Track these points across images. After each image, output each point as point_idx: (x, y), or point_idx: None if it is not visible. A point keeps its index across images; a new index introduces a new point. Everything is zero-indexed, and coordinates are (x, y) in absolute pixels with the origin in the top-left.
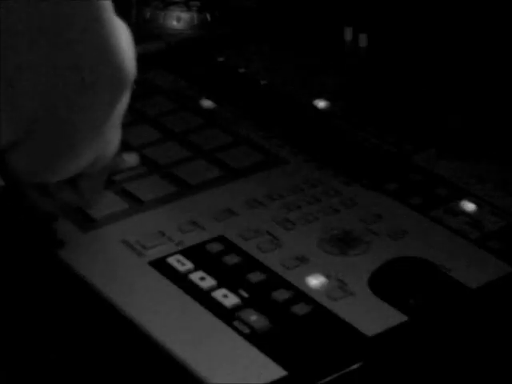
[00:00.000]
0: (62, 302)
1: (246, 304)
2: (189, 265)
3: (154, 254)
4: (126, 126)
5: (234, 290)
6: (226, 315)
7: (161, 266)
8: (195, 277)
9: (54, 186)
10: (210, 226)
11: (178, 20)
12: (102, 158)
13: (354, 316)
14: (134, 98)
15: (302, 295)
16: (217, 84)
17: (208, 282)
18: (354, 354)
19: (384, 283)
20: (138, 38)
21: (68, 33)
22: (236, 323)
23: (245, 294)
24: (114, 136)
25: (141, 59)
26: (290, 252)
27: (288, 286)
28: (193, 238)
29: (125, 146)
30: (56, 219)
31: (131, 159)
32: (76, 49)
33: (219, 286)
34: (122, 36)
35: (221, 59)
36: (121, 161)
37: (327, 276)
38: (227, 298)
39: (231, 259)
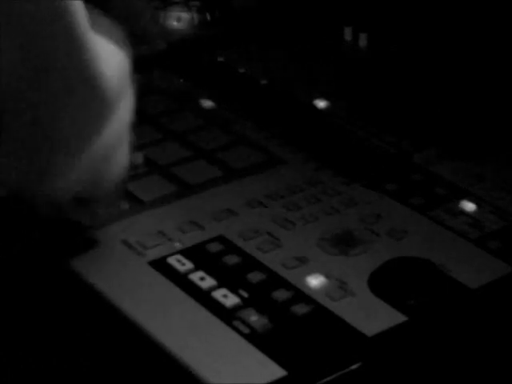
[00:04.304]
0: (61, 302)
1: (246, 304)
2: (189, 265)
3: (153, 253)
4: None
5: (234, 290)
6: (226, 315)
7: (161, 265)
8: (195, 277)
9: (66, 205)
10: (210, 226)
11: (178, 20)
12: (103, 179)
13: (354, 316)
14: (134, 97)
15: (302, 295)
16: (217, 84)
17: (208, 282)
18: (354, 354)
19: (384, 283)
20: (139, 38)
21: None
22: (236, 323)
23: (245, 294)
24: (116, 159)
25: (141, 59)
26: (290, 252)
27: (288, 286)
28: (193, 238)
29: None
30: (58, 220)
31: (136, 158)
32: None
33: (219, 285)
34: (111, 58)
35: (221, 59)
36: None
37: (327, 276)
38: (227, 298)
39: (231, 259)
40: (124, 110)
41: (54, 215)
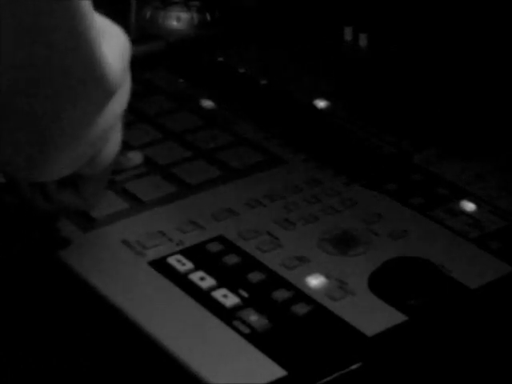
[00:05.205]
0: (61, 302)
1: (246, 304)
2: (189, 265)
3: (153, 253)
4: (126, 125)
5: (234, 290)
6: (226, 315)
7: (161, 265)
8: (195, 277)
9: (52, 188)
10: (210, 226)
11: (177, 20)
12: (100, 159)
13: (354, 316)
14: (134, 97)
15: (302, 295)
16: (217, 84)
17: (208, 282)
18: (354, 354)
19: (384, 283)
20: (138, 38)
21: (52, 35)
22: (236, 323)
23: (245, 294)
24: (112, 138)
25: (141, 59)
26: (290, 252)
27: (288, 286)
28: (193, 238)
29: (125, 146)
30: (56, 219)
31: (136, 157)
32: (58, 52)
33: (219, 285)
34: (111, 41)
35: (221, 59)
36: (125, 160)
37: (327, 276)
38: (227, 298)
39: (231, 259)
40: (123, 94)
41: (43, 203)
